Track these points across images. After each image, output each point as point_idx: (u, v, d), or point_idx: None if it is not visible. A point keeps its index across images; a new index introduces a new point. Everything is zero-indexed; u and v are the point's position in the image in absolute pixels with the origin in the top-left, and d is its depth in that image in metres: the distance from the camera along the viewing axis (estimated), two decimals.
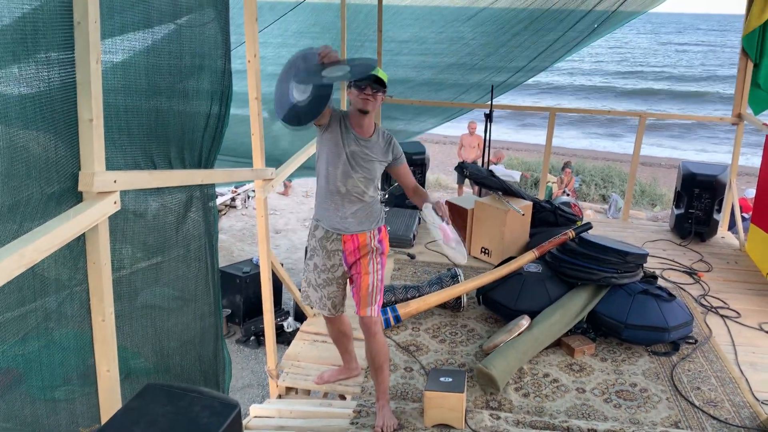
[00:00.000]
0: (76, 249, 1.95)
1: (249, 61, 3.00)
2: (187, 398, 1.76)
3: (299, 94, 2.64)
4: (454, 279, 4.29)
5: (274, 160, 3.94)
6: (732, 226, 6.19)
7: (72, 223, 1.74)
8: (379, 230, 3.06)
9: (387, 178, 5.80)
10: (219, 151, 2.76)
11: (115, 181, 1.95)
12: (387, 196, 5.74)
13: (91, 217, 1.84)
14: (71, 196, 1.87)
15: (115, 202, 1.95)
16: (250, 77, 3.02)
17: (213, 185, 2.80)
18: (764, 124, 5.38)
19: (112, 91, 1.97)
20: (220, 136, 2.72)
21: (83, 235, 1.91)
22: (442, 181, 13.07)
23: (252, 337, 6.09)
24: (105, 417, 2.05)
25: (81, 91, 1.82)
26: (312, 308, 3.28)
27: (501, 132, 19.89)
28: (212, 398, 1.77)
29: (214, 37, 2.58)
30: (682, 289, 4.73)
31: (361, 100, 2.81)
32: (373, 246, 3.01)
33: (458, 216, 5.27)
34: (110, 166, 1.97)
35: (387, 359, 3.07)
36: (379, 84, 2.80)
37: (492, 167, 9.62)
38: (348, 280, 3.13)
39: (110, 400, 2.06)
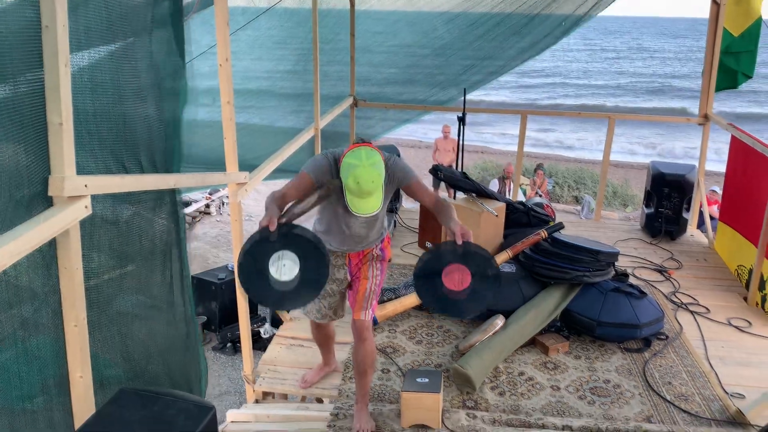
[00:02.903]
0: (48, 255, 1.93)
1: (221, 65, 2.99)
2: (161, 402, 1.76)
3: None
4: None
5: (248, 165, 3.94)
6: (701, 224, 6.33)
7: (42, 228, 1.73)
8: (382, 240, 3.09)
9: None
10: (181, 157, 2.76)
11: (86, 186, 1.93)
12: None
13: (62, 221, 1.83)
14: (41, 201, 1.85)
15: (86, 207, 1.94)
16: (222, 81, 3.02)
17: (180, 191, 2.79)
18: (729, 124, 5.51)
19: (80, 94, 1.96)
20: (179, 141, 2.72)
21: (54, 240, 1.90)
22: None
23: (228, 344, 6.05)
24: (79, 424, 2.03)
25: (50, 95, 1.80)
26: (308, 317, 3.25)
27: (476, 135, 20.07)
28: (186, 401, 1.77)
29: (168, 42, 2.59)
30: (653, 286, 4.82)
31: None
32: (375, 253, 3.06)
33: (433, 218, 5.29)
34: (81, 170, 1.95)
35: (373, 365, 3.07)
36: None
37: (539, 200, 9.01)
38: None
39: (84, 406, 2.04)
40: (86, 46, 2.05)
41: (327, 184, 2.61)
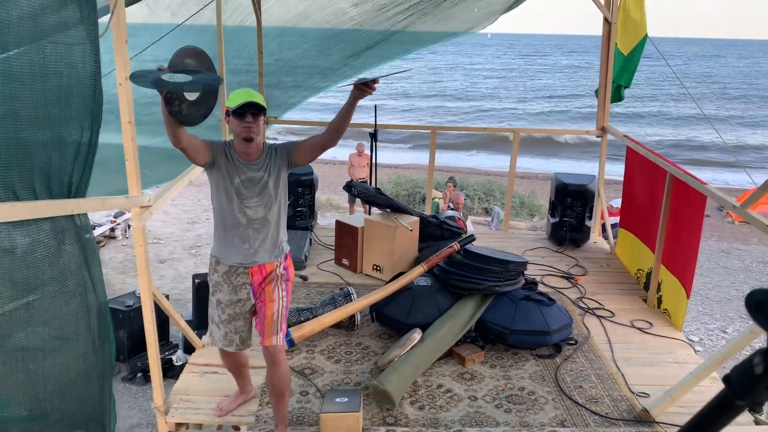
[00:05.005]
0: None
1: (120, 84, 2.87)
2: None
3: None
4: (347, 298, 4.29)
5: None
6: (603, 231, 6.64)
7: None
8: (285, 257, 3.01)
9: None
10: (89, 181, 2.61)
11: None
12: None
13: None
14: None
15: None
16: (122, 101, 2.90)
17: (86, 215, 2.64)
18: (624, 135, 5.83)
19: None
20: (90, 164, 2.57)
21: None
22: (333, 201, 13.08)
23: (139, 374, 5.77)
24: None
25: None
26: (216, 345, 3.15)
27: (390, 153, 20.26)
28: None
29: (82, 60, 2.44)
30: (561, 293, 5.00)
31: (244, 129, 2.74)
32: (279, 273, 2.96)
33: (349, 235, 5.30)
34: None
35: (289, 387, 3.03)
36: (257, 109, 2.74)
37: (451, 213, 8.63)
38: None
39: None
40: None
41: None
